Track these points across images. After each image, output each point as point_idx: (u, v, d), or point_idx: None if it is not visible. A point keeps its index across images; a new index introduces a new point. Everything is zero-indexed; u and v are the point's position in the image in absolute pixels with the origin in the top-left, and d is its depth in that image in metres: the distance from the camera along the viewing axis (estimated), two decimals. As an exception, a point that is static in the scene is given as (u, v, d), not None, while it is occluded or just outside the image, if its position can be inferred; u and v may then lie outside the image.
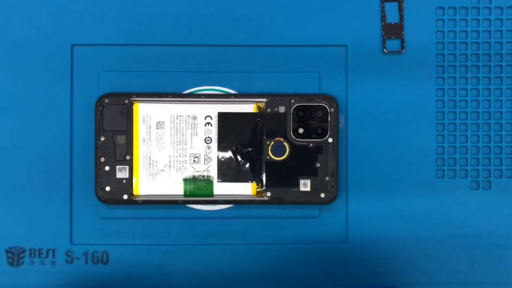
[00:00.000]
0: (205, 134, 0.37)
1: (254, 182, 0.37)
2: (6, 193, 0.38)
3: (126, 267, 0.38)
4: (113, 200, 0.37)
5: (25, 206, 0.38)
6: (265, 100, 0.37)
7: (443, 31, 0.39)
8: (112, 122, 0.37)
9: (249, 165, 0.37)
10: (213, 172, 0.37)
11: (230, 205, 0.38)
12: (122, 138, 0.37)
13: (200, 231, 0.38)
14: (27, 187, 0.38)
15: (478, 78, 0.39)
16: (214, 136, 0.37)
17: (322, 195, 0.37)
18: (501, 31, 0.39)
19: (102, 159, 0.37)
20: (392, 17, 0.39)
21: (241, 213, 0.38)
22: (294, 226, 0.38)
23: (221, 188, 0.37)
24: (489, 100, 0.39)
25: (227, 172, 0.37)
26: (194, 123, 0.37)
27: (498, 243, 0.38)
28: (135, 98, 0.37)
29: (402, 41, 0.38)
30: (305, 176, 0.37)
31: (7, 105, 0.38)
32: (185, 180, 0.37)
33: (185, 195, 0.37)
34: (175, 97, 0.37)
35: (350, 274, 0.38)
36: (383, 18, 0.38)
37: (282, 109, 0.37)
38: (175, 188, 0.37)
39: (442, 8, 0.39)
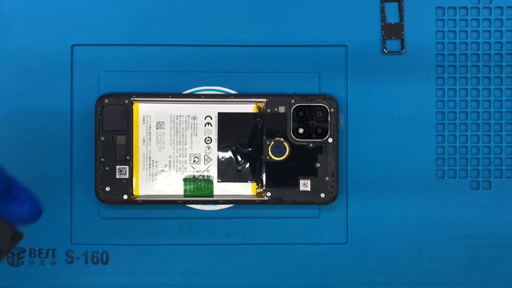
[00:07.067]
0: (205, 134, 0.37)
1: (254, 182, 0.37)
2: (6, 193, 0.38)
3: (126, 267, 0.38)
4: (113, 200, 0.37)
5: (25, 206, 0.38)
6: (265, 100, 0.37)
7: (443, 31, 0.39)
8: (112, 122, 0.37)
9: (249, 165, 0.37)
10: (213, 172, 0.37)
11: (230, 205, 0.38)
12: (122, 138, 0.37)
13: (200, 231, 0.38)
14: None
15: (478, 78, 0.39)
16: (214, 136, 0.37)
17: (322, 195, 0.37)
18: (501, 31, 0.39)
19: (102, 159, 0.37)
20: (392, 17, 0.39)
21: (241, 213, 0.38)
22: (294, 226, 0.38)
23: (221, 188, 0.37)
24: (489, 100, 0.39)
25: (227, 172, 0.37)
26: (194, 123, 0.37)
27: (498, 243, 0.38)
28: (135, 98, 0.37)
29: (402, 41, 0.38)
30: (305, 176, 0.37)
31: (8, 105, 0.38)
32: (185, 180, 0.37)
33: (185, 195, 0.37)
34: (175, 97, 0.37)
35: (350, 274, 0.38)
36: (383, 18, 0.38)
37: (282, 109, 0.37)
38: (175, 188, 0.37)
39: (442, 8, 0.39)
